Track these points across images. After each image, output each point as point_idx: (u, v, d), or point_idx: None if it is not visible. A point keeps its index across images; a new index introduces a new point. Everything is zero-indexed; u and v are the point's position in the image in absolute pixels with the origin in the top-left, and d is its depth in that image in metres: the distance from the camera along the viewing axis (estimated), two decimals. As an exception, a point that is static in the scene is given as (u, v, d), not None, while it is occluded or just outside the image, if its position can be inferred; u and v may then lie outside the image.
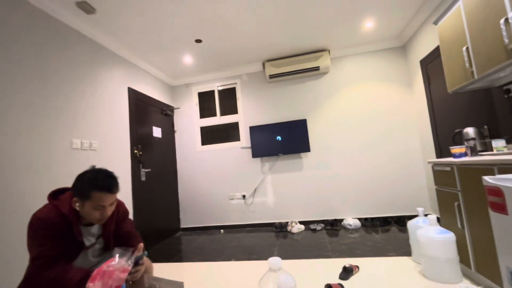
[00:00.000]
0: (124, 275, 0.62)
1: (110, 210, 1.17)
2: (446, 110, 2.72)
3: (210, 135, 4.18)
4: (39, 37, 2.12)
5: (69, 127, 2.31)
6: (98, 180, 1.12)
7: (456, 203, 1.73)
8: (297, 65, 3.62)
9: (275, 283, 0.62)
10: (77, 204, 1.13)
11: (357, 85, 3.66)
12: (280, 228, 3.47)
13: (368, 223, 3.34)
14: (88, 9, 2.38)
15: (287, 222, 3.52)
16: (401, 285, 1.76)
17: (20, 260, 1.77)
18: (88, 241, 1.21)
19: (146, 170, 3.32)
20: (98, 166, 2.54)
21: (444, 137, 2.79)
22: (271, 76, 3.74)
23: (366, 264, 2.15)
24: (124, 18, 2.55)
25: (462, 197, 1.68)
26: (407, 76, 3.51)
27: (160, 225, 3.53)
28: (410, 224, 2.09)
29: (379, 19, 2.99)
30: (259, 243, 3.02)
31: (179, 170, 4.18)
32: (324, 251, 2.56)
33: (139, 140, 3.29)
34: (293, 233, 3.29)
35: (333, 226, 3.37)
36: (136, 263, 1.09)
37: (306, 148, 3.63)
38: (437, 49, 2.70)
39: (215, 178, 4.02)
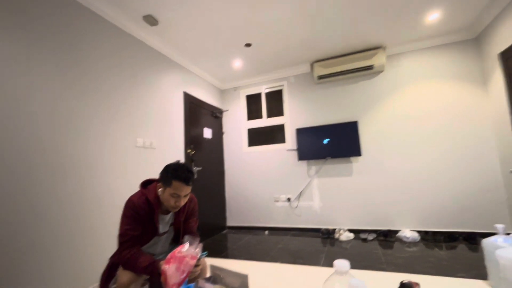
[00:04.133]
0: (193, 262, 0.67)
1: (183, 201, 1.30)
2: (535, 111, 2.29)
3: (256, 137, 4.24)
4: (109, 48, 2.42)
5: (133, 128, 2.58)
6: (179, 172, 1.26)
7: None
8: (348, 65, 3.45)
9: (341, 286, 0.60)
10: (160, 189, 1.30)
11: (418, 84, 3.32)
12: (327, 235, 3.33)
13: (429, 237, 2.98)
14: (152, 22, 2.64)
15: (334, 229, 3.36)
16: (475, 312, 1.52)
17: (104, 241, 2.04)
18: (162, 228, 1.37)
19: (198, 168, 3.52)
20: (156, 163, 2.79)
21: (532, 143, 2.34)
22: (320, 77, 3.63)
23: (428, 283, 1.92)
24: (181, 28, 2.76)
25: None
26: (480, 73, 3.06)
27: (208, 221, 3.70)
28: (486, 242, 1.81)
29: (446, 8, 2.67)
30: (305, 248, 2.94)
31: (226, 170, 4.33)
32: (377, 263, 2.37)
33: (192, 140, 3.52)
34: (341, 241, 3.12)
35: (387, 237, 3.10)
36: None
37: (357, 152, 3.42)
38: (523, 39, 2.30)
39: (260, 179, 4.06)
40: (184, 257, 0.65)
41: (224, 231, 4.07)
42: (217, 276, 0.61)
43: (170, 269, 0.62)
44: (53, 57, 1.90)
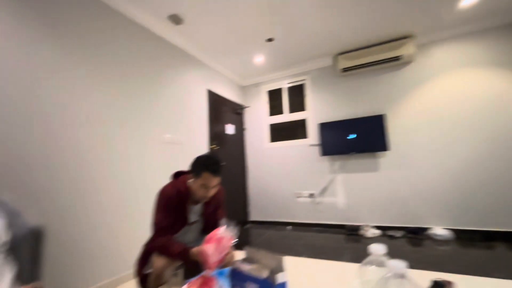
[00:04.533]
0: (230, 244, 0.70)
1: (212, 192, 1.35)
2: None
3: (278, 133, 4.24)
4: (137, 48, 2.51)
5: (162, 124, 2.69)
6: (209, 163, 1.31)
7: None
8: (374, 56, 3.32)
9: (378, 268, 0.60)
10: (190, 180, 1.36)
11: (450, 74, 3.12)
12: (352, 231, 3.26)
13: (464, 236, 2.82)
14: (177, 20, 2.72)
15: (359, 226, 3.29)
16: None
17: (138, 230, 2.18)
18: (192, 218, 1.43)
19: (221, 164, 3.59)
20: (183, 158, 2.88)
21: None
22: (344, 70, 3.54)
23: (463, 282, 1.82)
24: (204, 26, 2.81)
25: None
26: (524, 59, 2.81)
27: (231, 215, 3.77)
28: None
29: (484, -9, 2.48)
30: (329, 244, 2.91)
31: (249, 166, 4.38)
32: (406, 261, 2.28)
33: (215, 136, 3.59)
34: (366, 238, 3.05)
35: (416, 234, 2.97)
36: None
37: (384, 147, 3.30)
38: None
39: (283, 174, 4.06)
40: (222, 238, 0.68)
41: (247, 226, 4.13)
42: (252, 258, 0.63)
43: (210, 248, 0.65)
44: (84, 60, 2.03)
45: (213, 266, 0.66)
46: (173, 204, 1.34)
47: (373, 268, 0.66)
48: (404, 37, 3.22)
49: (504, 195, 2.79)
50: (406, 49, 3.16)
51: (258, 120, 4.37)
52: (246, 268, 0.63)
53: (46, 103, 1.74)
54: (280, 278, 0.58)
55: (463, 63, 3.06)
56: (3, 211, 1.07)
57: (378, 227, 3.26)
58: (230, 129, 4.00)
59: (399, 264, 0.54)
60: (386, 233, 3.11)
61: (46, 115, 1.73)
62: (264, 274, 0.60)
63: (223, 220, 0.76)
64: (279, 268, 0.59)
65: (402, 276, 0.53)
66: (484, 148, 2.91)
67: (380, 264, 0.65)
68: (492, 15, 2.87)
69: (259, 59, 3.71)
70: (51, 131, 1.75)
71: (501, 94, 2.87)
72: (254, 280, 0.62)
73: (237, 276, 0.65)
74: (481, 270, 2.01)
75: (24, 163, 1.60)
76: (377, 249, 0.67)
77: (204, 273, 0.67)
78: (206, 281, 0.66)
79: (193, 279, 0.69)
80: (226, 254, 1.14)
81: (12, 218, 1.10)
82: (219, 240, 0.67)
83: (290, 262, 2.45)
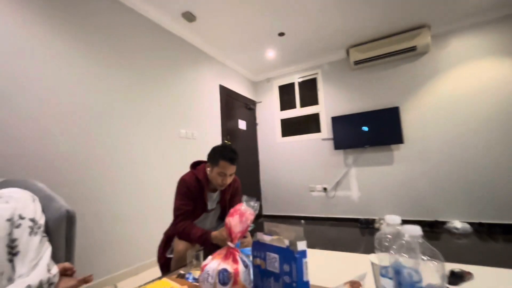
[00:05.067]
0: (252, 217, 0.74)
1: (229, 179, 1.42)
2: None
3: (290, 127, 4.25)
4: (152, 46, 2.60)
5: (177, 120, 2.77)
6: (225, 152, 1.39)
7: None
8: (387, 48, 3.27)
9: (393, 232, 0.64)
10: (208, 169, 1.44)
11: (468, 64, 3.03)
12: (366, 225, 3.24)
13: (484, 229, 2.75)
14: (190, 18, 2.78)
15: (374, 219, 3.26)
16: (539, 303, 1.40)
17: (158, 218, 2.27)
18: (210, 205, 1.50)
19: (237, 153, 3.65)
20: (197, 152, 2.96)
21: None
22: (356, 63, 3.50)
23: (482, 273, 1.79)
24: (217, 22, 2.87)
25: None
26: (548, 45, 2.69)
27: (245, 209, 3.83)
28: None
29: (504, -24, 2.39)
30: (343, 237, 2.91)
31: (261, 160, 4.42)
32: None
33: (228, 131, 3.65)
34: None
35: (433, 228, 2.93)
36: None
37: (399, 139, 3.25)
38: None
39: (295, 169, 4.07)
40: (245, 211, 0.72)
41: (260, 220, 4.18)
42: (273, 232, 0.67)
43: (234, 220, 0.70)
44: (101, 57, 2.13)
45: (236, 237, 0.70)
46: (192, 191, 1.41)
47: (389, 237, 0.68)
48: (419, 27, 3.15)
49: (527, 187, 2.70)
50: (421, 40, 3.10)
51: (270, 115, 4.40)
52: (267, 239, 0.68)
53: (77, 103, 1.85)
54: (300, 246, 0.62)
55: (481, 54, 2.97)
56: (39, 196, 1.16)
57: (393, 221, 3.22)
58: (242, 124, 4.06)
59: (414, 228, 0.57)
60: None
61: (74, 113, 1.84)
62: (285, 243, 0.64)
63: (244, 197, 0.80)
64: (300, 238, 0.63)
65: (418, 239, 0.56)
66: (502, 140, 2.82)
67: (396, 235, 0.67)
68: (507, 2, 2.77)
69: (271, 54, 3.73)
70: (79, 128, 1.86)
71: (523, 82, 2.77)
72: (276, 249, 0.66)
73: (258, 247, 0.70)
74: (500, 262, 1.96)
75: (58, 156, 1.71)
76: (393, 219, 0.70)
77: (228, 244, 0.72)
78: (230, 252, 0.70)
79: (217, 251, 0.74)
80: (244, 238, 1.18)
81: (47, 202, 1.19)
82: (242, 213, 0.71)
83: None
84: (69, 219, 1.28)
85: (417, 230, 0.57)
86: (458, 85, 3.06)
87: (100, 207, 1.94)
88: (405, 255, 0.57)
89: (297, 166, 4.06)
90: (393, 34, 3.29)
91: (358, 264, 2.06)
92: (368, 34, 3.31)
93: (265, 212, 4.29)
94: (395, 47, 3.22)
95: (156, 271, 1.53)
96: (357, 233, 3.02)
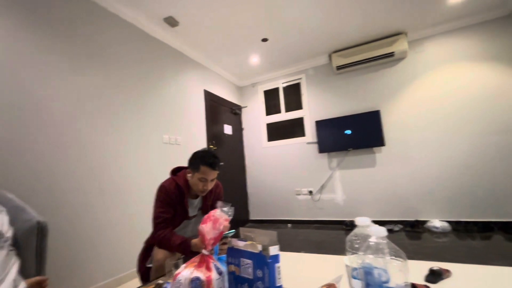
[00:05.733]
0: (227, 223, 0.73)
1: (210, 185, 1.39)
2: None
3: (276, 132, 4.28)
4: (134, 51, 2.57)
5: (160, 125, 2.73)
6: (206, 157, 1.36)
7: None
8: (367, 53, 3.37)
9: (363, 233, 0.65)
10: (189, 174, 1.41)
11: (443, 69, 3.17)
12: (351, 227, 3.29)
13: (461, 227, 2.85)
14: (173, 23, 2.77)
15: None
16: (511, 298, 1.46)
17: (137, 228, 2.20)
18: (191, 212, 1.47)
19: (218, 158, 3.62)
20: (181, 158, 2.92)
21: None
22: (339, 68, 3.59)
23: (460, 270, 1.85)
24: (200, 27, 2.86)
25: None
26: (514, 52, 2.87)
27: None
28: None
29: (472, -13, 2.54)
30: (328, 240, 2.94)
31: (247, 165, 4.41)
32: (404, 252, 2.31)
33: (213, 136, 3.63)
34: (366, 232, 3.08)
35: (414, 227, 3.01)
36: (221, 240, 1.24)
37: (380, 142, 3.34)
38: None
39: (281, 173, 4.09)
40: (218, 218, 0.72)
41: (247, 225, 4.16)
42: (248, 237, 0.67)
43: (207, 227, 0.69)
44: (82, 62, 2.08)
45: (209, 244, 0.69)
46: (172, 198, 1.38)
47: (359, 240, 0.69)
48: (397, 34, 3.28)
49: (500, 186, 2.84)
50: (399, 46, 3.22)
51: (255, 119, 4.42)
52: (241, 244, 0.67)
53: (49, 107, 1.78)
54: (272, 251, 0.62)
55: (455, 58, 3.12)
56: (7, 207, 1.10)
57: (376, 222, 3.28)
58: (228, 129, 4.05)
59: (380, 230, 0.58)
60: (385, 227, 3.14)
61: (48, 117, 1.77)
62: (258, 248, 0.64)
63: (219, 203, 0.79)
64: (273, 242, 0.63)
65: (383, 239, 0.57)
66: (478, 141, 2.95)
67: (366, 236, 0.68)
68: (483, 10, 2.93)
69: (255, 59, 3.76)
70: (55, 133, 1.79)
71: (493, 86, 2.93)
72: (249, 255, 0.66)
73: (233, 253, 0.69)
74: (478, 259, 2.04)
75: (27, 163, 1.63)
76: (363, 221, 0.71)
77: (202, 252, 0.71)
78: (204, 259, 0.69)
79: (191, 259, 0.73)
80: (223, 238, 1.16)
81: (17, 213, 1.13)
82: (216, 220, 0.70)
83: (288, 257, 2.47)
84: (40, 230, 1.22)
85: (382, 231, 0.58)
86: (435, 88, 3.19)
87: (77, 216, 1.86)
88: (372, 256, 0.58)
89: (283, 170, 4.08)
90: (372, 40, 3.40)
91: (340, 266, 2.08)
92: (350, 40, 3.41)
93: (252, 217, 4.27)
94: (374, 53, 3.33)
95: (138, 282, 1.49)
96: (343, 235, 3.05)
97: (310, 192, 3.84)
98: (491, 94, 2.93)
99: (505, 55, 2.90)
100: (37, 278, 1.06)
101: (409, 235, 2.83)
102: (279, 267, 0.62)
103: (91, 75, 2.10)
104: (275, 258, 0.62)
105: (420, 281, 1.73)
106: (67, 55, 1.95)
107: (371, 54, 3.35)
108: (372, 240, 0.58)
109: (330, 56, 3.75)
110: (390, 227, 3.09)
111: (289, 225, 3.85)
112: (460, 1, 2.74)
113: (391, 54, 3.27)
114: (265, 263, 0.62)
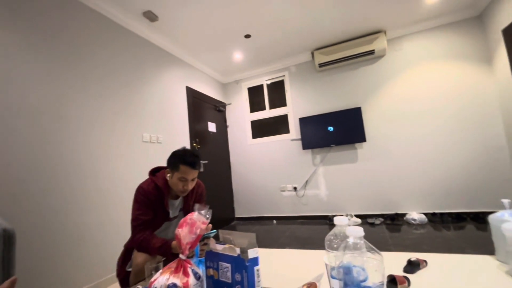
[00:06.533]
0: (204, 226, 0.71)
1: (191, 185, 1.35)
2: (541, 86, 2.26)
3: (260, 129, 4.27)
4: (113, 45, 2.46)
5: (140, 123, 2.64)
6: (186, 156, 1.31)
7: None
8: (349, 51, 3.43)
9: (340, 233, 0.65)
10: (168, 174, 1.36)
11: (420, 66, 3.29)
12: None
13: (437, 219, 2.99)
14: (152, 17, 2.67)
15: (341, 215, 3.39)
16: (482, 284, 1.55)
17: (117, 231, 2.12)
18: (172, 213, 1.43)
19: (203, 162, 3.58)
20: (163, 157, 2.84)
21: (539, 118, 2.32)
22: (321, 65, 3.63)
23: (435, 260, 1.94)
24: (181, 22, 2.79)
25: None
26: (484, 51, 3.01)
27: (216, 214, 3.77)
28: (492, 218, 1.81)
29: (446, -13, 2.63)
30: (313, 235, 2.98)
31: (232, 163, 4.38)
32: (385, 245, 2.39)
33: (197, 134, 3.57)
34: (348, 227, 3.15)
35: (394, 220, 3.12)
36: (202, 240, 1.21)
37: (361, 138, 3.42)
38: (527, 13, 2.25)
39: (266, 170, 4.10)
40: (195, 221, 0.69)
41: (233, 223, 4.14)
42: (227, 240, 0.65)
43: (183, 231, 0.66)
44: (56, 56, 1.96)
45: (186, 249, 0.67)
46: (151, 200, 1.33)
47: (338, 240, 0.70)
48: (377, 32, 3.35)
49: (472, 178, 2.99)
50: (379, 44, 3.29)
51: (240, 117, 4.38)
52: (219, 248, 0.65)
53: (27, 104, 1.66)
54: (251, 254, 0.61)
55: (431, 56, 3.24)
56: None
57: (358, 216, 3.38)
58: (212, 126, 3.99)
59: (357, 230, 0.58)
60: (367, 221, 3.24)
61: (23, 116, 1.65)
62: (236, 252, 0.63)
63: (196, 205, 0.77)
64: (252, 245, 0.62)
65: (360, 239, 0.57)
66: (454, 136, 3.10)
67: (344, 235, 0.69)
68: (456, 10, 3.06)
69: (238, 55, 3.72)
70: (27, 133, 1.67)
71: (467, 83, 3.07)
72: (228, 258, 0.64)
73: (211, 257, 0.67)
74: (453, 249, 2.14)
75: (-9, 167, 1.52)
76: (341, 220, 0.72)
77: (179, 256, 0.68)
78: (181, 264, 0.67)
79: (168, 264, 0.70)
80: (201, 239, 1.14)
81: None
82: (193, 224, 0.68)
83: (273, 254, 2.47)
84: (7, 238, 1.14)
85: (359, 231, 0.58)
86: (413, 85, 3.30)
87: (51, 221, 1.77)
88: (350, 254, 0.58)
89: (268, 167, 4.09)
90: (353, 38, 3.46)
91: (323, 262, 2.12)
92: (331, 37, 3.44)
93: (237, 215, 4.26)
94: (355, 51, 3.39)
95: (118, 286, 1.43)
96: (326, 230, 3.11)
97: (295, 188, 3.88)
98: (464, 92, 3.07)
99: (476, 53, 3.04)
100: (5, 283, 1.00)
101: (390, 228, 2.92)
102: (258, 270, 0.61)
103: (65, 72, 1.98)
104: (254, 261, 0.61)
105: (399, 272, 1.80)
106: (33, 49, 1.82)
107: (352, 51, 3.41)
108: (350, 240, 0.58)
109: (312, 54, 3.77)
110: (372, 220, 3.19)
111: (274, 221, 3.88)
112: (436, 1, 2.83)
113: (371, 52, 3.34)
114: (243, 267, 0.61)
